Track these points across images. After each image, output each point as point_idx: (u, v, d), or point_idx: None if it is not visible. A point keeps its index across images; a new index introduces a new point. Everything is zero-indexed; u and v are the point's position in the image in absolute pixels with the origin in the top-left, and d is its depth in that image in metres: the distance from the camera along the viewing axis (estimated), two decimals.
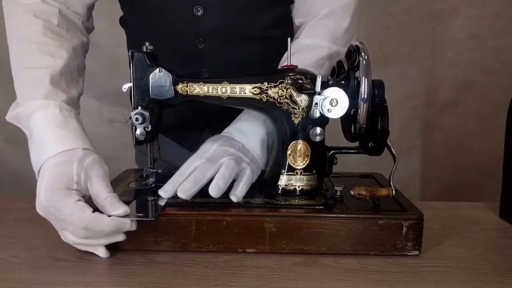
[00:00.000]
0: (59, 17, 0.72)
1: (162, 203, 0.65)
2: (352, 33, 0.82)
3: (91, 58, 1.14)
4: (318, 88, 0.65)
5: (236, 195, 0.65)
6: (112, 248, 0.63)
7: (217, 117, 0.80)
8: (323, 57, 0.78)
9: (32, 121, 0.64)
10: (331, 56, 0.78)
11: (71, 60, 0.72)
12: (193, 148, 0.73)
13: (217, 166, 0.67)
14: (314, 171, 0.69)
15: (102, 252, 0.62)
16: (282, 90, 0.67)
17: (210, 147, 0.70)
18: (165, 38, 0.83)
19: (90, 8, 0.80)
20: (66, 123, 0.65)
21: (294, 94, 0.67)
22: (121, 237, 0.61)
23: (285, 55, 0.73)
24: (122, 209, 0.60)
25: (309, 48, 0.79)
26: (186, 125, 0.92)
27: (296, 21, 0.86)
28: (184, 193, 0.64)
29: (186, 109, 0.88)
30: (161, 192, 0.66)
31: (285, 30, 0.89)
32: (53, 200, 0.58)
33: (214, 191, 0.64)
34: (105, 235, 0.60)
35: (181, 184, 0.66)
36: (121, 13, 0.93)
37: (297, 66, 0.68)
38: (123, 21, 0.93)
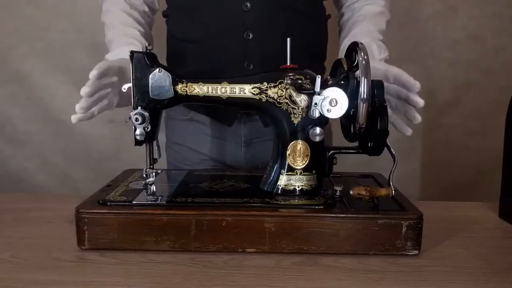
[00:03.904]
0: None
1: None
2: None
3: (92, 58, 1.14)
4: (317, 88, 0.65)
5: None
6: (112, 248, 0.64)
7: None
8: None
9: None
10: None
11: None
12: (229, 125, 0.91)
13: None
14: (313, 171, 0.69)
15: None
16: (282, 90, 0.67)
17: None
18: (212, 32, 0.85)
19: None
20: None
21: (294, 94, 0.67)
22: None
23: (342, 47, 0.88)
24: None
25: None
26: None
27: None
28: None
29: None
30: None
31: (325, 29, 0.96)
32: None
33: None
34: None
35: None
36: None
37: (297, 66, 0.68)
38: (165, 15, 0.97)
